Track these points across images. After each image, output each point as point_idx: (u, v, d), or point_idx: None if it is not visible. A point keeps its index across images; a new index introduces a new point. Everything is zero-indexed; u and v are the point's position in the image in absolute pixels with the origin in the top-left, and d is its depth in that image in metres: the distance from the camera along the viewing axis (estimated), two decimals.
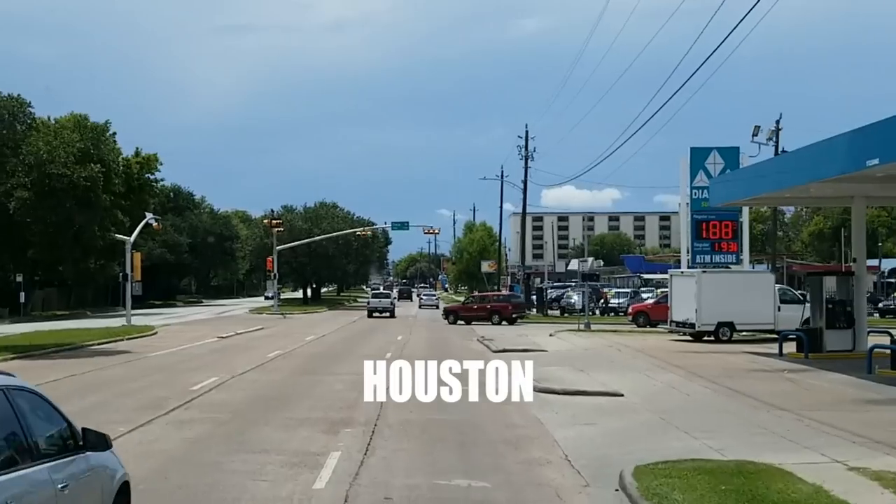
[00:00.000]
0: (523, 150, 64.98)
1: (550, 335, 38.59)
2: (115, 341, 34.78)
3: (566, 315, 58.29)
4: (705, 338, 34.33)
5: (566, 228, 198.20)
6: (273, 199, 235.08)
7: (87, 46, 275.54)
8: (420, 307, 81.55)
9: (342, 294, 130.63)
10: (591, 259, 57.85)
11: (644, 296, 60.14)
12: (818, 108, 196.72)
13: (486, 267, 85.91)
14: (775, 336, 33.86)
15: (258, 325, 49.04)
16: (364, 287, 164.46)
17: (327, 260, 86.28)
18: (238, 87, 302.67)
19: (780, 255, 59.38)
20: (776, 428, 14.67)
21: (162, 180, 77.88)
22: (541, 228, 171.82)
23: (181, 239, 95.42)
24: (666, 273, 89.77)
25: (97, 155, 31.82)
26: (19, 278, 61.63)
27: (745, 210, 37.96)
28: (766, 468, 11.10)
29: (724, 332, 33.97)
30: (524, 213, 68.57)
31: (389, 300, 66.19)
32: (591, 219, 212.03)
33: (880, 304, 57.68)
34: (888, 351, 23.16)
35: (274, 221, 71.77)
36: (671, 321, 35.94)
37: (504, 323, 50.37)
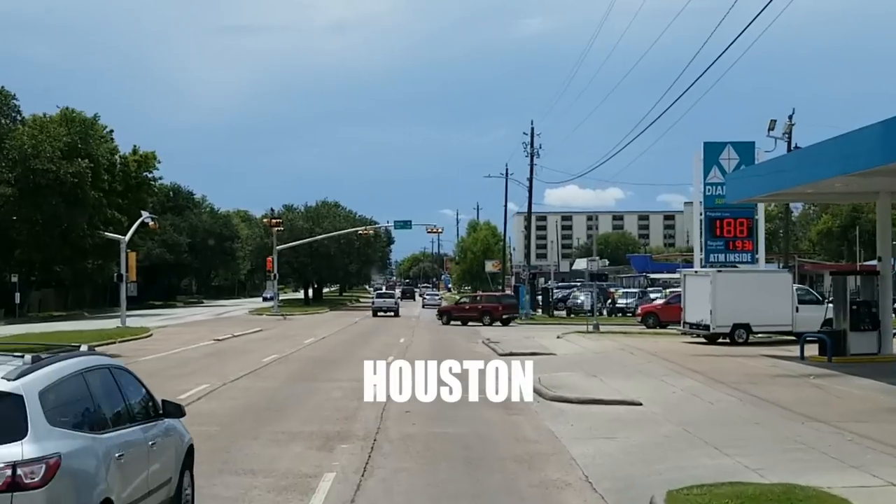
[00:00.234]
0: (528, 146, 63.65)
1: (558, 337, 37.27)
2: (107, 344, 33.45)
3: (573, 316, 56.94)
4: (720, 340, 32.99)
5: (569, 228, 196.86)
6: (275, 198, 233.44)
7: (88, 46, 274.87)
8: (423, 307, 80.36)
9: (344, 294, 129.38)
10: (597, 259, 56.34)
11: (652, 296, 58.77)
12: (823, 108, 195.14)
13: (490, 267, 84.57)
14: (793, 338, 32.64)
15: (257, 326, 47.75)
16: (367, 287, 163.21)
17: (329, 260, 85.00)
18: (239, 87, 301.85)
19: (792, 254, 57.91)
20: (815, 443, 13.36)
21: (160, 179, 76.88)
22: (544, 228, 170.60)
23: (181, 238, 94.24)
24: (674, 273, 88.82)
25: (85, 150, 30.50)
26: (14, 279, 60.42)
27: (761, 207, 36.62)
28: (815, 494, 9.78)
29: (739, 334, 32.60)
30: (530, 211, 67.21)
31: (393, 300, 68.52)
32: (595, 218, 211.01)
33: None
34: None
35: (273, 220, 70.33)
36: (684, 322, 34.56)
37: (497, 324, 49.63)
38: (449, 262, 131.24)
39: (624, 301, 58.48)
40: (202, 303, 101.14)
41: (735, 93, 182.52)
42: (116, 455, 6.98)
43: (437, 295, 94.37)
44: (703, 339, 33.55)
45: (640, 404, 17.62)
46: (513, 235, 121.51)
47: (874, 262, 30.58)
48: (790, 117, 51.15)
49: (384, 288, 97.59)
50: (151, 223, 51.17)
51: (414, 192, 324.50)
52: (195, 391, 19.44)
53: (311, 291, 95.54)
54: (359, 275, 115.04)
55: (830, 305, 33.98)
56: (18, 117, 28.32)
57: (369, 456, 12.62)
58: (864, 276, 27.93)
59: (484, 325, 49.53)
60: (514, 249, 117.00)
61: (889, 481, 10.58)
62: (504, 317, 51.12)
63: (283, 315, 63.04)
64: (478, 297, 58.43)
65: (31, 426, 6.14)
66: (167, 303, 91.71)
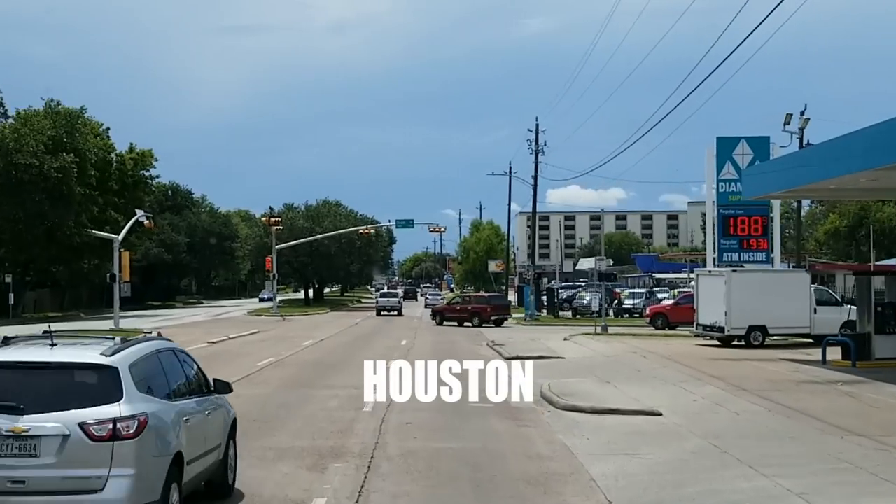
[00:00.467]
0: (533, 143, 62.26)
1: (565, 339, 35.92)
2: None
3: (578, 317, 55.59)
4: (734, 342, 31.66)
5: (572, 228, 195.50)
6: (275, 198, 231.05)
7: (88, 46, 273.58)
8: (425, 307, 79.06)
9: (346, 294, 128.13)
10: (604, 258, 54.97)
11: (660, 296, 57.44)
12: (830, 108, 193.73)
13: (493, 267, 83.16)
14: (810, 341, 31.36)
15: (254, 328, 46.41)
16: (369, 287, 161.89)
17: (329, 259, 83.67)
18: (239, 87, 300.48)
19: (803, 254, 56.53)
20: (861, 461, 12.04)
21: (157, 177, 75.63)
22: (547, 228, 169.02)
23: (179, 238, 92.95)
24: (679, 272, 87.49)
25: (71, 144, 28.99)
26: (8, 279, 59.13)
27: (777, 205, 35.28)
28: None
29: (755, 337, 31.25)
30: (535, 209, 65.80)
31: (397, 299, 70.33)
32: (602, 217, 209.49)
33: None
34: None
35: (272, 219, 68.89)
36: (697, 324, 33.18)
37: (487, 325, 48.99)
38: (452, 263, 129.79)
39: (631, 302, 57.08)
40: (201, 303, 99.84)
41: (738, 92, 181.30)
42: (184, 419, 8.61)
43: (440, 295, 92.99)
44: (716, 342, 32.24)
45: (660, 414, 16.30)
46: (516, 236, 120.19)
47: None
48: (802, 113, 49.90)
49: (386, 288, 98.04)
50: (146, 222, 49.89)
51: (415, 192, 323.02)
52: None
53: (311, 292, 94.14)
54: (360, 275, 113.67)
55: (849, 307, 32.77)
56: (1, 110, 27.21)
57: (365, 477, 11.29)
58: (889, 276, 26.55)
59: (473, 326, 48.94)
60: (517, 249, 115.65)
61: None
62: (493, 318, 50.36)
63: (282, 316, 61.76)
64: (468, 298, 57.87)
65: (125, 392, 7.77)
66: (166, 303, 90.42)
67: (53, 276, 73.50)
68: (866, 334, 25.04)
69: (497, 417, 16.21)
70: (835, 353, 25.49)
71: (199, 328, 47.00)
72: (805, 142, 49.03)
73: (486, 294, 65.59)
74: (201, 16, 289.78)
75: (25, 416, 7.45)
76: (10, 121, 26.38)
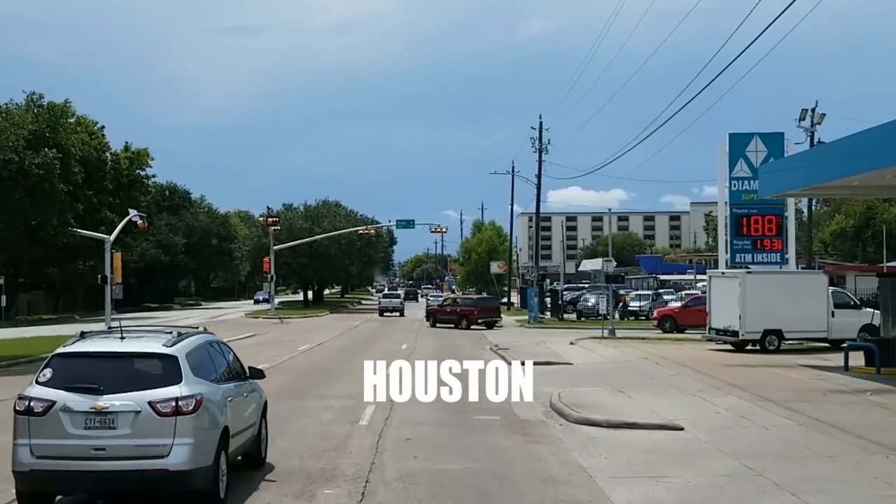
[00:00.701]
0: (537, 142, 60.83)
1: (571, 343, 34.56)
2: None
3: (583, 319, 54.19)
4: (748, 347, 30.33)
5: (574, 229, 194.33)
6: (276, 199, 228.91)
7: (88, 46, 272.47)
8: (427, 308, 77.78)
9: (346, 296, 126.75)
10: (612, 259, 53.62)
11: (666, 298, 56.10)
12: (838, 109, 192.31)
13: (495, 268, 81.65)
14: (826, 345, 30.08)
15: (250, 331, 45.12)
16: (369, 289, 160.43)
17: (329, 260, 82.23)
18: (240, 87, 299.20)
19: (813, 254, 55.16)
20: None
21: (154, 176, 74.17)
22: (548, 229, 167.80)
23: (176, 239, 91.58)
24: (684, 274, 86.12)
25: (54, 139, 27.60)
26: (0, 280, 57.86)
27: (791, 203, 33.93)
28: None
29: (770, 342, 29.89)
30: (538, 208, 64.37)
31: (399, 300, 71.26)
32: (600, 219, 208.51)
33: None
34: None
35: (270, 219, 67.45)
36: (710, 328, 31.81)
37: (477, 327, 48.43)
38: (453, 264, 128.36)
39: (637, 304, 55.65)
40: (200, 305, 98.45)
41: (741, 94, 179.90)
42: (228, 399, 10.19)
43: (440, 297, 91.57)
44: (729, 347, 30.90)
45: (682, 429, 14.98)
46: (517, 236, 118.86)
47: None
48: (813, 110, 48.66)
49: (387, 289, 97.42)
50: (140, 222, 48.55)
51: (416, 193, 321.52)
52: None
53: (310, 293, 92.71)
54: (360, 276, 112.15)
55: (869, 310, 31.50)
56: None
57: None
58: None
59: (462, 328, 48.37)
60: (520, 250, 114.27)
61: None
62: (480, 320, 49.50)
63: (279, 318, 60.45)
64: (458, 300, 57.05)
65: (183, 376, 9.26)
66: (164, 305, 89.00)
67: (48, 277, 72.14)
68: (891, 339, 23.75)
69: (504, 432, 14.91)
70: (856, 359, 24.20)
71: None
72: (816, 140, 47.80)
73: (475, 296, 65.58)
74: (201, 16, 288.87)
75: (104, 396, 9.02)
76: None
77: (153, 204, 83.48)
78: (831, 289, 31.61)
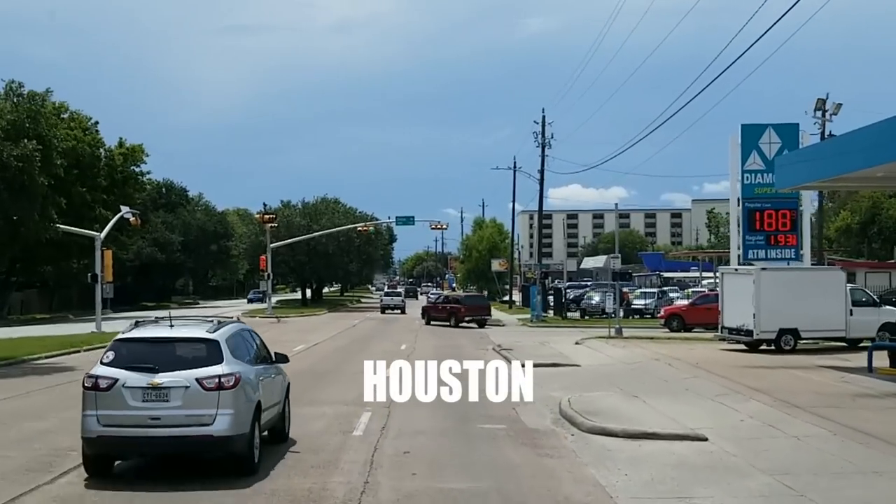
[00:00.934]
0: (539, 136, 59.38)
1: (577, 343, 33.28)
2: (70, 353, 29.63)
3: (587, 318, 52.83)
4: (762, 347, 29.05)
5: (575, 227, 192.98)
6: (276, 199, 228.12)
7: (88, 46, 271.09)
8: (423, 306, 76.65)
9: (346, 294, 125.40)
10: (606, 256, 52.29)
11: (672, 296, 54.76)
12: (844, 106, 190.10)
13: (496, 265, 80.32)
14: (843, 344, 28.84)
15: None
16: (369, 287, 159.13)
17: (327, 258, 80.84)
18: (240, 87, 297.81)
19: (822, 250, 53.86)
20: None
21: (149, 173, 72.93)
22: (549, 227, 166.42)
23: (173, 237, 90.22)
24: (688, 271, 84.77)
25: (34, 130, 26.26)
26: None
27: (806, 197, 32.62)
28: None
29: (786, 341, 28.59)
30: (541, 204, 62.99)
31: (400, 298, 72.51)
32: (601, 216, 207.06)
33: None
34: None
35: (266, 216, 66.02)
36: (722, 327, 30.51)
37: (465, 325, 48.01)
38: (453, 262, 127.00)
39: (642, 302, 54.24)
40: (197, 304, 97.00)
41: (743, 89, 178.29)
42: (260, 378, 11.85)
43: (441, 295, 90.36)
44: (742, 346, 29.63)
45: (706, 439, 13.71)
46: (519, 234, 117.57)
47: None
48: (824, 101, 47.44)
49: (387, 287, 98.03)
50: (132, 219, 47.36)
51: (416, 192, 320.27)
52: None
53: (309, 292, 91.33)
54: (360, 274, 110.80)
55: (889, 308, 30.28)
56: None
57: None
58: None
59: (451, 326, 48.02)
60: (521, 247, 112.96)
61: None
62: (467, 318, 48.71)
63: (276, 317, 59.12)
64: (448, 298, 56.60)
65: (224, 357, 11.02)
66: (160, 304, 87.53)
67: (41, 276, 70.87)
68: None
69: (511, 444, 13.65)
70: (880, 359, 22.95)
71: None
72: (827, 133, 46.48)
73: (463, 294, 65.44)
74: (201, 16, 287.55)
75: (159, 374, 10.59)
76: None
77: (149, 201, 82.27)
78: (849, 286, 30.32)
